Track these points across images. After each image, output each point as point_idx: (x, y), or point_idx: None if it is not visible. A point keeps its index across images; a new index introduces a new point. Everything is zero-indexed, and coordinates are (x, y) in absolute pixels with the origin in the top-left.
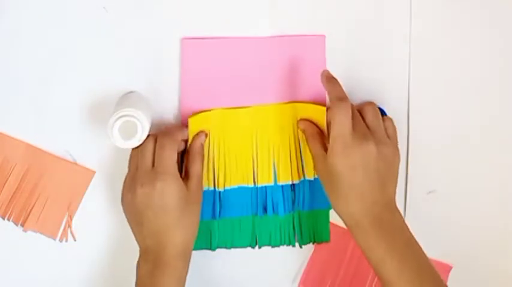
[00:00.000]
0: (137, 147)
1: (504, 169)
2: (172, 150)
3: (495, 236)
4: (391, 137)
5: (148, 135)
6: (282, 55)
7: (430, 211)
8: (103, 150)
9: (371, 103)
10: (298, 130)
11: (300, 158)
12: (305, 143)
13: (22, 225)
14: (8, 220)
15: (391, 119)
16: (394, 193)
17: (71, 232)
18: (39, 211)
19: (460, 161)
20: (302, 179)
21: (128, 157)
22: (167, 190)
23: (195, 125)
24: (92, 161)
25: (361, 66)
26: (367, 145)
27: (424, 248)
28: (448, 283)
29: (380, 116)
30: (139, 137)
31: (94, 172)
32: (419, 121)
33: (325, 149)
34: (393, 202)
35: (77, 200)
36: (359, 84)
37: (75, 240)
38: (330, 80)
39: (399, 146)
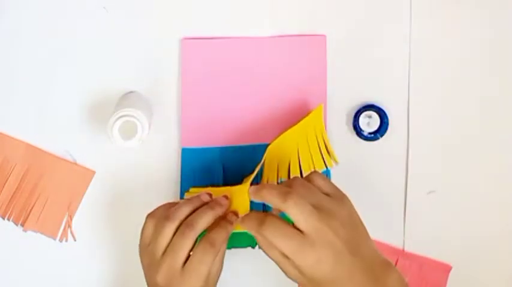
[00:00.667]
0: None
1: (504, 169)
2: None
3: (495, 236)
4: (330, 193)
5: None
6: (282, 55)
7: (430, 211)
8: (103, 150)
9: (297, 179)
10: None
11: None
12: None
13: (22, 225)
14: (8, 220)
15: (317, 173)
16: (375, 248)
17: (71, 232)
18: (39, 211)
19: (460, 161)
20: None
21: (128, 157)
22: None
23: None
24: (92, 161)
25: (361, 66)
26: (325, 232)
27: (424, 248)
28: (448, 283)
29: (309, 186)
30: (140, 137)
31: (94, 172)
32: (419, 121)
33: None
34: (382, 259)
35: (77, 200)
36: (359, 84)
37: (75, 240)
38: (258, 191)
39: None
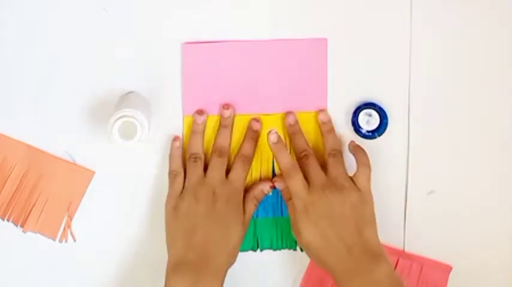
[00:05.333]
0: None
1: (504, 169)
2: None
3: (495, 236)
4: (361, 185)
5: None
6: (284, 58)
7: (430, 211)
8: (103, 150)
9: (334, 152)
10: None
11: None
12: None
13: (22, 226)
14: (8, 220)
15: (366, 165)
16: (375, 238)
17: (71, 233)
18: (39, 211)
19: (460, 161)
20: None
21: (127, 157)
22: (232, 233)
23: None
24: (91, 161)
25: (362, 69)
26: (325, 196)
27: (424, 248)
28: (448, 283)
29: (342, 164)
30: (139, 137)
31: (94, 172)
32: (419, 121)
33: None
34: (376, 248)
35: (77, 200)
36: (360, 86)
37: (75, 240)
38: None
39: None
